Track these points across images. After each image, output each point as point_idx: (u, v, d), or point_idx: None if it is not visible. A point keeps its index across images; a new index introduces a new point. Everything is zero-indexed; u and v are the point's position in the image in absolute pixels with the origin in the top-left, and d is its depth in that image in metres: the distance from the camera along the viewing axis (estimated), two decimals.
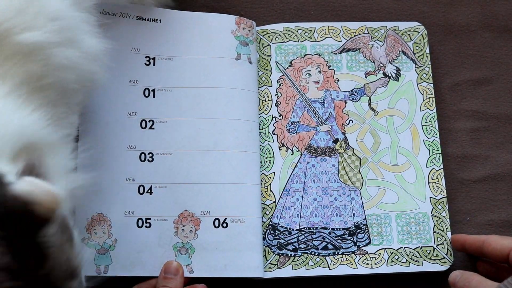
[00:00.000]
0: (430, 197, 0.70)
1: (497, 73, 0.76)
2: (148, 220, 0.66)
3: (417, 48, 0.75)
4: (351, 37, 0.75)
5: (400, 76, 0.74)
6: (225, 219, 0.66)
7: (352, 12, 0.78)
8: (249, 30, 0.73)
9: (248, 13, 0.77)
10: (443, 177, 0.70)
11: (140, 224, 0.66)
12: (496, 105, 0.75)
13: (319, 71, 0.74)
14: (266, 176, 0.70)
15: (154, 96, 0.69)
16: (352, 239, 0.68)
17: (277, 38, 0.75)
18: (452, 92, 0.76)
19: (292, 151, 0.71)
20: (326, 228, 0.68)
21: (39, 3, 0.50)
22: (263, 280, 0.67)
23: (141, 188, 0.67)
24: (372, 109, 0.73)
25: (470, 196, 0.72)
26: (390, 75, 0.74)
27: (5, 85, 0.47)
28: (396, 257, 0.68)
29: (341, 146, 0.71)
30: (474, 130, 0.74)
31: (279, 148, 0.71)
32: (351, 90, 0.74)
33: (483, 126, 0.74)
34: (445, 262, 0.67)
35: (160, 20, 0.71)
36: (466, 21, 0.78)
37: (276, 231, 0.68)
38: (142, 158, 0.67)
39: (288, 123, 0.72)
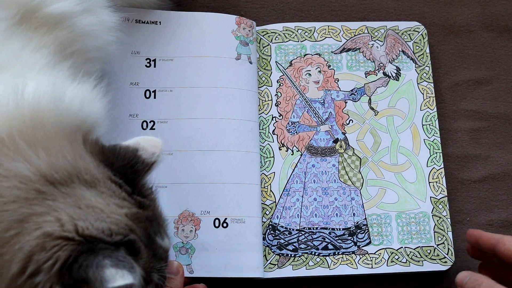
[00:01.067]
0: (430, 197, 0.70)
1: (497, 73, 0.76)
2: None
3: (417, 48, 0.75)
4: (351, 37, 0.75)
5: (400, 76, 0.74)
6: (225, 219, 0.66)
7: (352, 12, 0.78)
8: (249, 30, 0.73)
9: (248, 13, 0.77)
10: (444, 177, 0.70)
11: None
12: (496, 105, 0.75)
13: (319, 71, 0.74)
14: (266, 176, 0.70)
15: (155, 97, 0.69)
16: (352, 239, 0.68)
17: (277, 38, 0.75)
18: (452, 92, 0.76)
19: (292, 151, 0.71)
20: (326, 228, 0.68)
21: None
22: (263, 280, 0.67)
23: None
24: (372, 108, 0.73)
25: (470, 196, 0.72)
26: (390, 74, 0.74)
27: (42, 56, 0.52)
28: (397, 257, 0.68)
29: (341, 146, 0.71)
30: (474, 130, 0.74)
31: (279, 148, 0.71)
32: (351, 90, 0.74)
33: (483, 126, 0.74)
34: (446, 262, 0.67)
35: (159, 22, 0.71)
36: (466, 21, 0.78)
37: (276, 231, 0.68)
38: None
39: (288, 123, 0.72)
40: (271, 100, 0.73)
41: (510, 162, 0.73)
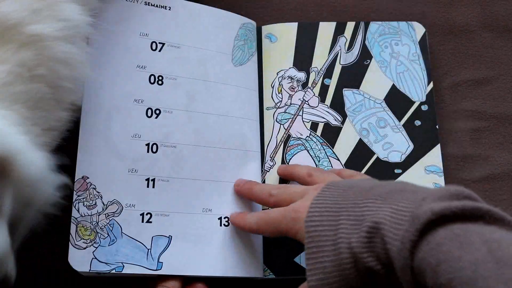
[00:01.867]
0: None
1: (497, 73, 0.76)
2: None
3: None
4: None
5: None
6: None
7: (352, 12, 0.78)
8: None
9: (248, 13, 0.77)
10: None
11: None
12: (496, 105, 0.75)
13: None
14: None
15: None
16: None
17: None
18: (452, 92, 0.76)
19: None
20: None
21: (55, 8, 0.52)
22: (263, 280, 0.67)
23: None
24: None
25: None
26: None
27: None
28: None
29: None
30: (474, 130, 0.74)
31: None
32: None
33: (483, 126, 0.74)
34: None
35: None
36: (466, 21, 0.78)
37: None
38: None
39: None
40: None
41: (510, 162, 0.73)
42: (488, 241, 0.42)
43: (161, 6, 0.69)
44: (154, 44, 0.67)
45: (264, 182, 0.70)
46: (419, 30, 0.75)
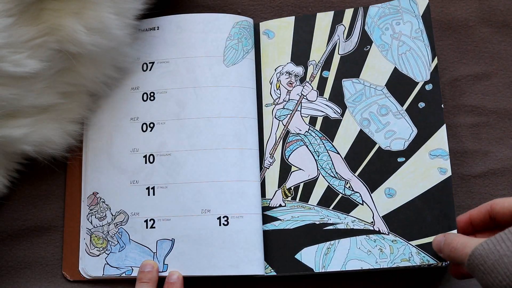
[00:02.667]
0: None
1: (496, 68, 0.76)
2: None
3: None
4: None
5: None
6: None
7: (350, 6, 0.78)
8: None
9: (245, 10, 0.77)
10: None
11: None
12: (496, 100, 0.75)
13: None
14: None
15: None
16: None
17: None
18: (451, 87, 0.75)
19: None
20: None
21: None
22: (264, 277, 0.67)
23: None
24: None
25: (471, 191, 0.72)
26: None
27: None
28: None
29: None
30: (474, 125, 0.74)
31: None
32: None
33: (482, 121, 0.74)
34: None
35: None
36: (465, 16, 0.78)
37: None
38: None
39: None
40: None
41: (510, 157, 0.73)
42: None
43: (149, 29, 0.73)
44: (145, 65, 0.72)
45: (264, 179, 0.69)
46: (422, 2, 0.73)
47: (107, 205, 0.69)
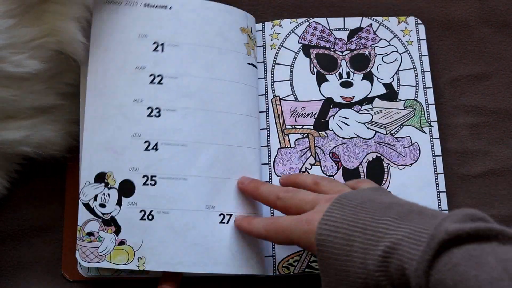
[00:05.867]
0: None
1: (496, 68, 0.76)
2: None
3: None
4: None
5: None
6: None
7: (350, 8, 0.78)
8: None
9: (246, 10, 0.76)
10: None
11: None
12: (495, 100, 0.75)
13: None
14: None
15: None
16: None
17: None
18: (451, 87, 0.75)
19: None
20: None
21: None
22: (265, 277, 0.67)
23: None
24: None
25: (470, 191, 0.72)
26: None
27: None
28: None
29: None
30: (474, 125, 0.74)
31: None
32: None
33: (482, 121, 0.74)
34: None
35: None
36: (465, 16, 0.78)
37: None
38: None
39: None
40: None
41: (509, 157, 0.73)
42: (503, 260, 0.43)
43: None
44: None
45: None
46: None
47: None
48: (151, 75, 0.66)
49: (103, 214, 0.64)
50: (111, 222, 0.63)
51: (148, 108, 0.66)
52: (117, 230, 0.63)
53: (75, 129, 0.68)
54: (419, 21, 0.75)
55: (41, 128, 0.64)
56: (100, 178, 0.64)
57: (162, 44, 0.67)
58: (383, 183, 0.69)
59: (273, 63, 0.74)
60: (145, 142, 0.65)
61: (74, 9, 0.62)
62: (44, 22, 0.61)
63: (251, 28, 0.72)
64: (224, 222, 0.65)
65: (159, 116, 0.66)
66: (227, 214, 0.65)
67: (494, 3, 0.78)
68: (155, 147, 0.65)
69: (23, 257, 0.69)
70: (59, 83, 0.66)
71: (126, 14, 0.67)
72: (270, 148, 0.70)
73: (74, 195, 0.68)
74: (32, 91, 0.62)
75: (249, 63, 0.71)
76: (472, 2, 0.78)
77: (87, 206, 0.64)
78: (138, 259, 0.63)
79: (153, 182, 0.64)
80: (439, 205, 0.69)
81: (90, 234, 0.63)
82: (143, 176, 0.64)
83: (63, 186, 0.70)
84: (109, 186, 0.64)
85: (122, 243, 0.63)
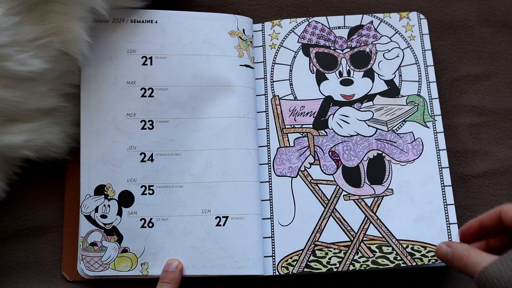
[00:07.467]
0: None
1: (496, 68, 0.76)
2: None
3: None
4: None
5: None
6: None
7: (350, 8, 0.78)
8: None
9: (245, 10, 0.77)
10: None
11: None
12: (495, 100, 0.75)
13: None
14: None
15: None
16: None
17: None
18: (451, 87, 0.75)
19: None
20: None
21: None
22: (264, 277, 0.67)
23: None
24: None
25: (470, 191, 0.72)
26: None
27: None
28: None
29: None
30: (474, 125, 0.74)
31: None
32: None
33: (482, 121, 0.74)
34: None
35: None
36: (465, 16, 0.78)
37: None
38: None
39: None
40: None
41: (509, 157, 0.73)
42: None
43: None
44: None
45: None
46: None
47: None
48: (142, 88, 0.69)
49: (105, 224, 0.66)
50: (113, 232, 0.66)
51: (142, 121, 0.68)
52: (120, 239, 0.66)
53: (76, 130, 0.68)
54: (422, 16, 0.75)
55: (43, 131, 0.65)
56: (100, 190, 0.67)
57: (151, 58, 0.70)
58: (385, 180, 0.69)
59: (272, 63, 0.74)
60: (141, 154, 0.68)
61: (79, 9, 0.62)
62: (49, 21, 0.61)
63: (243, 30, 0.73)
64: (220, 225, 0.66)
65: (152, 128, 0.68)
66: (223, 217, 0.67)
67: (494, 3, 0.78)
68: (150, 158, 0.68)
69: (23, 257, 0.69)
70: (62, 84, 0.66)
71: (114, 31, 0.70)
72: (269, 148, 0.71)
73: (74, 196, 0.69)
74: (35, 92, 0.63)
75: (241, 65, 0.71)
76: (472, 2, 0.78)
77: (88, 217, 0.66)
78: (141, 264, 0.66)
79: (151, 192, 0.67)
80: (444, 199, 0.68)
81: (94, 244, 0.66)
82: (141, 186, 0.67)
83: (63, 187, 0.71)
84: (109, 197, 0.67)
85: (125, 250, 0.66)
